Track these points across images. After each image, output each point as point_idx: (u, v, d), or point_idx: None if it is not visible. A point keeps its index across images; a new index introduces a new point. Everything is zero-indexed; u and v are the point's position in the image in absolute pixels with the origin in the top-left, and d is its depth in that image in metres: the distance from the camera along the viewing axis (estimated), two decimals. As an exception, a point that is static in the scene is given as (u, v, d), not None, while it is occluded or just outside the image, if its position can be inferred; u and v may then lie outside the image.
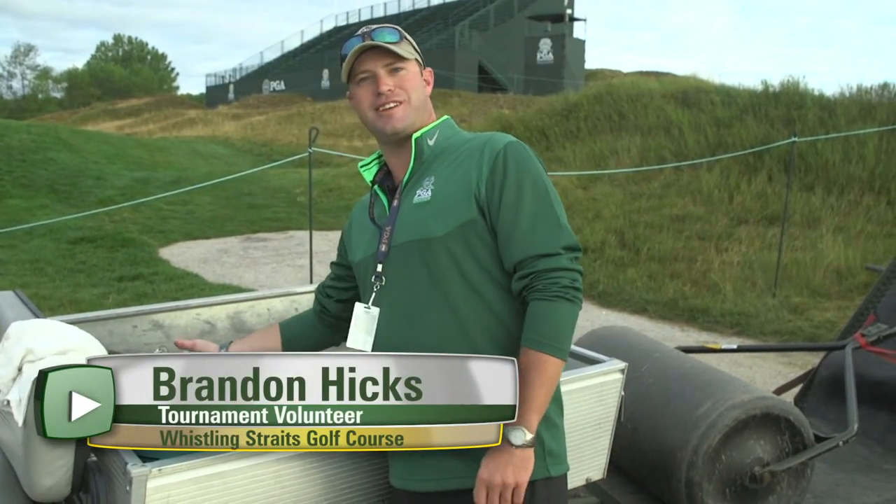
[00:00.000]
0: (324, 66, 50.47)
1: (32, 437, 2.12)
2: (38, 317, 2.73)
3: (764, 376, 6.66)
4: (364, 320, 2.17)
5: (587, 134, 17.43)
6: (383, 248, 2.14)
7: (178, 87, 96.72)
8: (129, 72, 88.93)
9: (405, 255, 2.09)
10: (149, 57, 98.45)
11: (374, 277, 2.16)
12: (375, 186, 2.27)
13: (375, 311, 2.16)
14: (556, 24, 44.54)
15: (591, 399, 2.98)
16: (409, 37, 2.20)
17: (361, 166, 2.33)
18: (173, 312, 3.73)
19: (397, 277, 2.12)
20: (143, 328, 3.62)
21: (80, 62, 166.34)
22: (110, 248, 11.01)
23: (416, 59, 2.20)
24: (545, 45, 42.13)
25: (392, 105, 2.13)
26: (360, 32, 2.17)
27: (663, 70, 38.01)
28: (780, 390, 4.89)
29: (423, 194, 2.11)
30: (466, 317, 2.04)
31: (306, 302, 4.14)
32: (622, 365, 3.06)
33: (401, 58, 2.14)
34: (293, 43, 64.28)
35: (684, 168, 13.81)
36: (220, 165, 22.90)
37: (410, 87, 2.16)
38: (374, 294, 2.16)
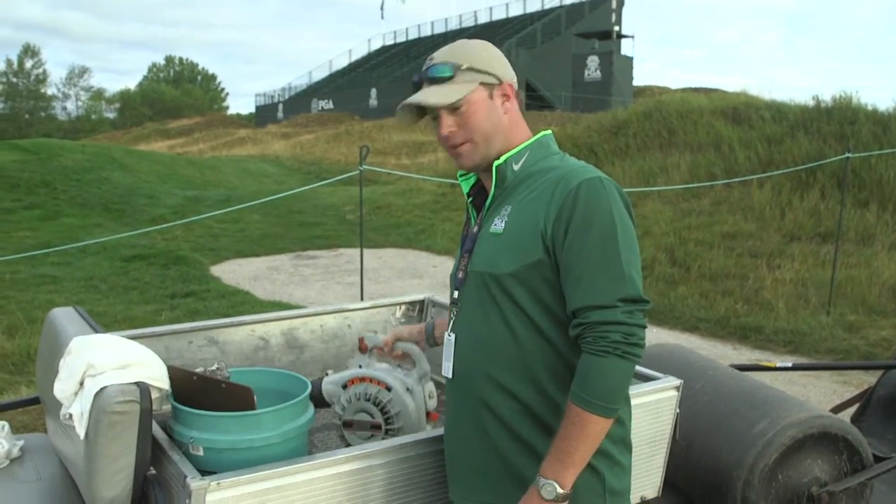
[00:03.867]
0: (371, 85, 50.82)
1: (94, 450, 2.15)
2: (98, 332, 2.77)
3: (819, 395, 6.56)
4: (447, 347, 2.18)
5: (636, 151, 17.35)
6: (461, 274, 2.14)
7: (227, 107, 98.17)
8: (180, 92, 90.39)
9: (477, 285, 2.07)
10: (199, 77, 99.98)
11: (451, 304, 2.19)
12: (469, 200, 2.24)
13: (453, 337, 2.15)
14: (603, 42, 44.52)
15: (645, 416, 2.96)
16: (468, 61, 2.09)
17: (460, 176, 2.28)
18: (228, 328, 3.78)
19: (470, 305, 2.10)
20: (199, 344, 3.67)
21: (132, 83, 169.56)
22: (163, 266, 11.15)
23: (482, 83, 2.08)
24: (593, 62, 42.07)
25: (456, 146, 2.10)
26: (423, 68, 2.14)
27: (712, 86, 37.77)
28: (837, 409, 4.80)
29: (499, 224, 2.06)
30: (530, 352, 2.01)
31: (358, 318, 4.18)
32: (677, 382, 3.03)
33: (448, 104, 2.06)
34: (341, 62, 65.01)
35: (735, 185, 13.68)
36: (270, 184, 23.11)
37: (474, 124, 2.07)
38: (452, 321, 2.17)
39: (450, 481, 2.24)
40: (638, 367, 3.23)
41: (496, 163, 2.10)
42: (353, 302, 4.42)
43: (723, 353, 7.89)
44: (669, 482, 4.03)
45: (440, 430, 2.47)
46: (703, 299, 9.76)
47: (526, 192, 2.06)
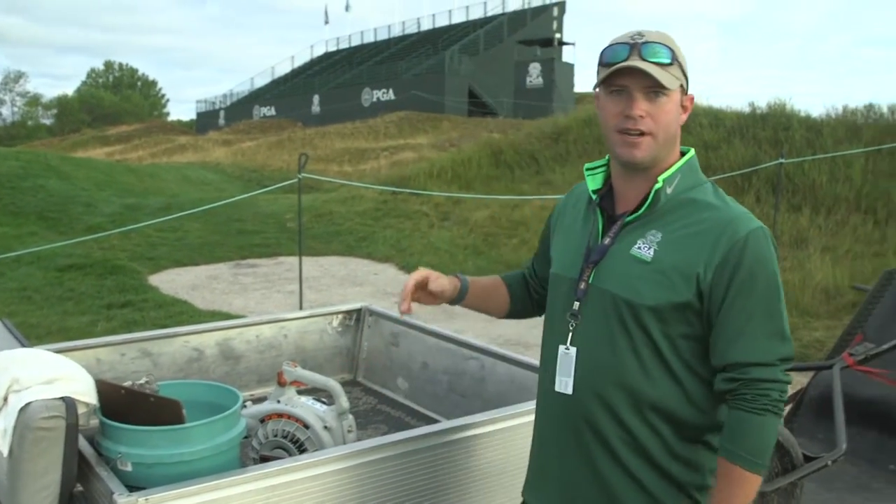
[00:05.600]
0: (314, 92, 50.65)
1: (19, 467, 2.12)
2: (24, 346, 2.73)
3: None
4: (565, 361, 2.04)
5: (577, 157, 17.49)
6: (582, 286, 2.02)
7: (168, 114, 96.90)
8: (119, 98, 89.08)
9: (605, 305, 1.98)
10: (139, 83, 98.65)
11: (569, 315, 2.04)
12: (595, 197, 2.11)
13: (573, 351, 2.02)
14: (545, 49, 44.80)
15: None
16: (681, 56, 1.96)
17: (588, 169, 2.14)
18: (161, 340, 3.75)
19: (595, 323, 2.00)
20: (131, 356, 3.63)
21: (69, 88, 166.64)
22: (99, 276, 10.96)
23: (682, 85, 1.97)
24: (534, 69, 42.33)
25: (637, 133, 1.93)
26: (629, 39, 1.95)
27: (652, 93, 38.05)
28: None
29: (645, 250, 1.95)
30: (653, 387, 1.94)
31: (294, 328, 4.16)
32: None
33: (663, 86, 1.90)
34: (284, 68, 64.68)
35: (673, 190, 13.81)
36: (211, 192, 22.87)
37: (664, 121, 1.93)
38: (570, 334, 2.04)
39: (533, 491, 2.20)
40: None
41: (656, 186, 1.96)
42: (289, 311, 4.40)
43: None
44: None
45: (372, 442, 2.47)
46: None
47: (681, 223, 1.95)
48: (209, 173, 28.48)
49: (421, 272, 2.35)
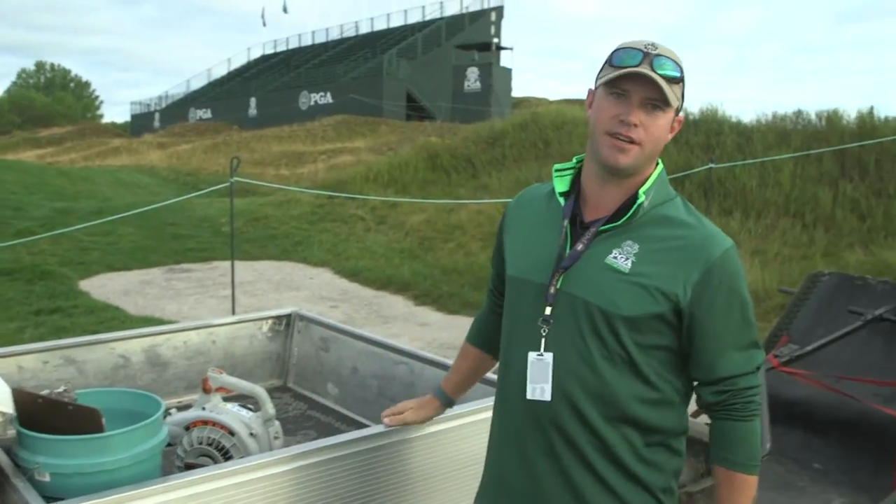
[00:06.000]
0: (251, 95, 50.26)
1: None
2: (-61, 354, 2.67)
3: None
4: (539, 368, 2.01)
5: (512, 161, 17.60)
6: (552, 290, 2.00)
7: (102, 116, 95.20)
8: (51, 99, 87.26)
9: (578, 312, 1.97)
10: (72, 84, 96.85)
11: (541, 320, 2.01)
12: (563, 201, 2.10)
13: (549, 357, 2.00)
14: (483, 53, 45.02)
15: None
16: (684, 78, 1.97)
17: (556, 170, 2.14)
18: (86, 347, 3.69)
19: (568, 329, 1.99)
20: (55, 363, 3.57)
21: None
22: (28, 281, 10.73)
23: (677, 108, 1.99)
24: (472, 73, 42.50)
25: (627, 140, 1.94)
26: (643, 47, 1.95)
27: (588, 98, 38.44)
28: (696, 413, 4.96)
29: (621, 260, 1.95)
30: (626, 395, 1.96)
31: (223, 334, 4.13)
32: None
33: (666, 102, 1.92)
34: (220, 71, 64.02)
35: (607, 194, 13.95)
36: (145, 195, 22.54)
37: (656, 134, 1.95)
38: (543, 339, 2.00)
39: (492, 500, 2.19)
40: (492, 376, 3.28)
41: (640, 201, 1.98)
42: (220, 317, 4.37)
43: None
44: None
45: (298, 448, 2.46)
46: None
47: (658, 237, 1.97)
48: (143, 176, 28.10)
49: (403, 418, 2.57)
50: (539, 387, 2.00)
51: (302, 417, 3.88)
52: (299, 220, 15.83)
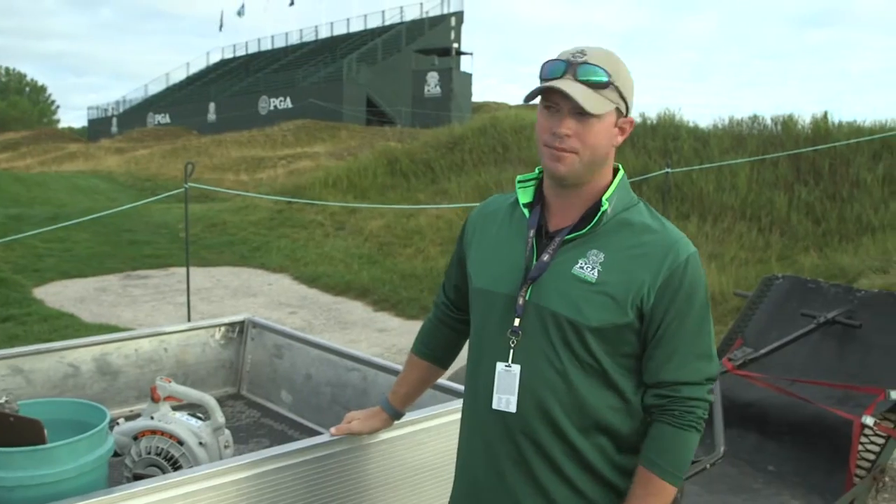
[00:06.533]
0: (210, 100, 49.92)
1: None
2: None
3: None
4: (506, 379, 2.01)
5: (472, 166, 17.63)
6: (521, 301, 2.00)
7: (58, 121, 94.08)
8: (6, 104, 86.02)
9: (546, 323, 1.97)
10: (27, 89, 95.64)
11: (509, 332, 2.01)
12: (528, 212, 2.10)
13: (517, 368, 2.00)
14: (443, 58, 45.02)
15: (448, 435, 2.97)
16: (620, 80, 1.95)
17: (519, 182, 2.13)
18: (34, 356, 3.63)
19: (536, 340, 1.99)
20: (2, 373, 3.50)
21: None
22: (-20, 289, 10.60)
23: (617, 108, 1.96)
24: (432, 78, 42.50)
25: (563, 150, 1.93)
26: (569, 56, 1.95)
27: (548, 103, 38.60)
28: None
29: (587, 270, 1.95)
30: (595, 404, 1.97)
31: (175, 341, 4.08)
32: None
33: (589, 111, 1.89)
34: (179, 75, 63.55)
35: (566, 199, 14.02)
36: (102, 201, 22.29)
37: (591, 143, 1.93)
38: (511, 351, 2.00)
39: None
40: (452, 384, 3.27)
41: (603, 208, 1.97)
42: (172, 324, 4.31)
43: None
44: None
45: (249, 457, 2.43)
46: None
47: (623, 244, 1.97)
48: (100, 182, 27.81)
49: (349, 428, 2.58)
50: (505, 398, 2.01)
51: (255, 425, 3.84)
52: (258, 226, 15.73)
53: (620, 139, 2.01)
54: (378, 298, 10.83)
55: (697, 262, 1.98)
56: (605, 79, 1.91)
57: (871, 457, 4.25)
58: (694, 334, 1.96)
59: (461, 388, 3.18)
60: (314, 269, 12.51)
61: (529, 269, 2.01)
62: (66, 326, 8.87)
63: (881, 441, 4.25)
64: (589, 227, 1.98)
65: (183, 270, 11.45)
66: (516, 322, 2.00)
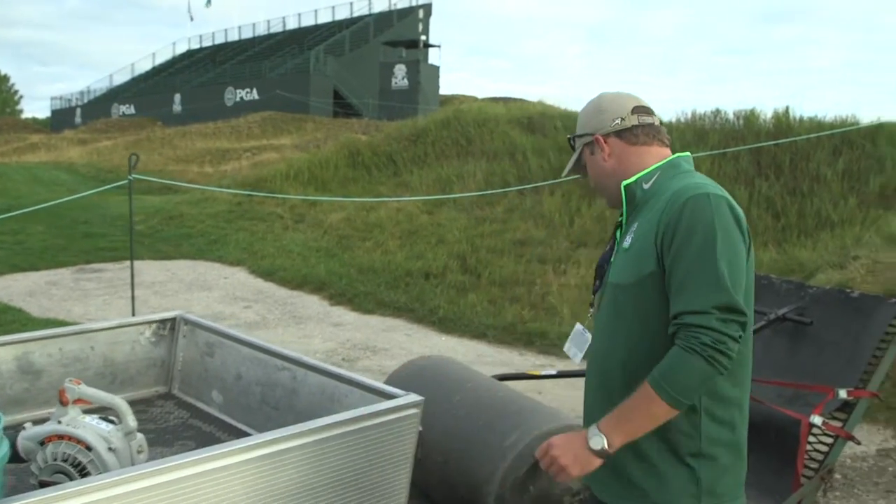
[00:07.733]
0: (176, 91, 49.52)
1: None
2: None
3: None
4: (579, 337, 2.57)
5: (434, 159, 17.53)
6: (597, 282, 2.38)
7: (21, 111, 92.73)
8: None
9: (608, 293, 2.28)
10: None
11: (591, 304, 2.43)
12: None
13: (588, 335, 2.46)
14: (410, 50, 44.92)
15: (386, 435, 2.87)
16: (579, 129, 2.44)
17: (625, 185, 2.36)
18: (-50, 355, 3.47)
19: (603, 309, 2.30)
20: (-86, 373, 3.35)
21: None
22: (-75, 283, 10.37)
23: (585, 145, 2.41)
24: (400, 70, 42.40)
25: (596, 192, 2.49)
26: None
27: (518, 96, 38.54)
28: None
29: (628, 240, 2.24)
30: (638, 359, 2.14)
31: (102, 339, 3.92)
32: (418, 399, 2.96)
33: (571, 172, 2.50)
34: (144, 66, 62.93)
35: (527, 192, 14.00)
36: (62, 193, 21.86)
37: (592, 178, 2.44)
38: (587, 320, 2.47)
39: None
40: (381, 385, 3.17)
41: (624, 182, 2.31)
42: (98, 321, 4.15)
43: (509, 360, 8.00)
44: (431, 499, 3.99)
45: (162, 462, 2.31)
46: (492, 306, 9.88)
47: (650, 209, 2.21)
48: (62, 174, 27.40)
49: None
50: (573, 350, 2.58)
51: (183, 427, 3.70)
52: (216, 219, 15.54)
53: (603, 155, 2.35)
54: (335, 293, 10.69)
55: (703, 200, 2.09)
56: (571, 143, 2.48)
57: (820, 456, 4.21)
58: (697, 266, 2.03)
59: (391, 389, 3.09)
60: (271, 262, 12.35)
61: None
62: (12, 321, 8.67)
63: (829, 441, 4.21)
64: (625, 208, 2.31)
65: (138, 263, 11.28)
66: (593, 298, 2.44)
